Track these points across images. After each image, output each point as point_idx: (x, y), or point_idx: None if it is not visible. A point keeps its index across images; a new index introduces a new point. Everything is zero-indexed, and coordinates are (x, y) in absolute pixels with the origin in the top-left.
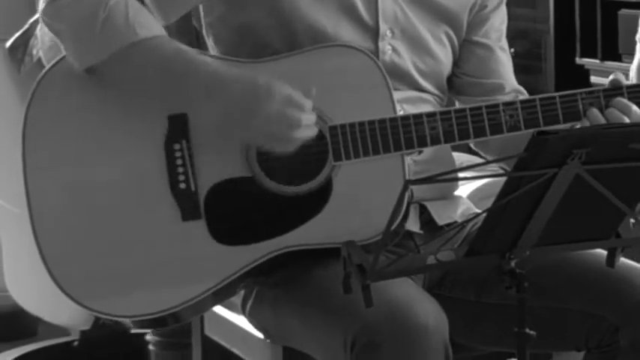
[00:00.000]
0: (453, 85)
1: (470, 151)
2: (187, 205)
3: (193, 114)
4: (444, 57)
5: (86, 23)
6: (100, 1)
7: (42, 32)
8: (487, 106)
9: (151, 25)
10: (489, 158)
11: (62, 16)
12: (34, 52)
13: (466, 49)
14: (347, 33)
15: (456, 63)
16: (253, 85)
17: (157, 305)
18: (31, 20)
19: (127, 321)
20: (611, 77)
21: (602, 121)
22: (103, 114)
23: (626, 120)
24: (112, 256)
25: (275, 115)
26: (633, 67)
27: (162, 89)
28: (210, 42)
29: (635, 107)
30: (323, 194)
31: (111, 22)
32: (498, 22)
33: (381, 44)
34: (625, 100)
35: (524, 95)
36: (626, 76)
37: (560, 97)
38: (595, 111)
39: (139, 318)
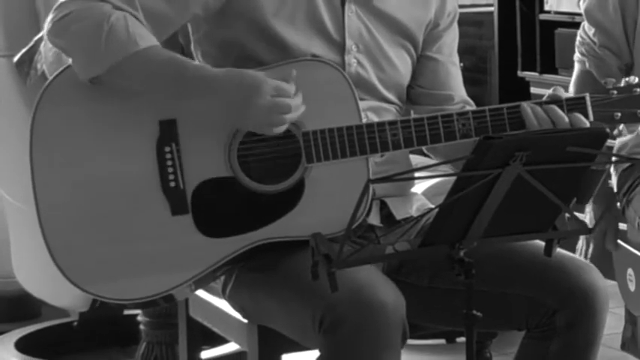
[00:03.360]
0: (408, 95)
1: (423, 154)
2: (176, 201)
3: (183, 117)
4: (404, 69)
5: (92, 37)
6: (102, 16)
7: (45, 48)
8: (442, 116)
9: (149, 37)
10: (438, 160)
11: (68, 32)
12: (39, 66)
13: (421, 63)
14: (317, 48)
15: (412, 75)
16: (243, 80)
17: (150, 290)
18: (36, 38)
19: (122, 303)
20: (551, 91)
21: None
22: (101, 120)
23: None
24: (109, 246)
25: (267, 105)
26: (571, 83)
27: (159, 92)
28: (199, 57)
29: (560, 113)
30: (296, 192)
31: (114, 34)
32: (450, 39)
33: (346, 57)
34: (553, 106)
35: (472, 105)
36: (565, 88)
37: (507, 107)
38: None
39: (133, 302)
